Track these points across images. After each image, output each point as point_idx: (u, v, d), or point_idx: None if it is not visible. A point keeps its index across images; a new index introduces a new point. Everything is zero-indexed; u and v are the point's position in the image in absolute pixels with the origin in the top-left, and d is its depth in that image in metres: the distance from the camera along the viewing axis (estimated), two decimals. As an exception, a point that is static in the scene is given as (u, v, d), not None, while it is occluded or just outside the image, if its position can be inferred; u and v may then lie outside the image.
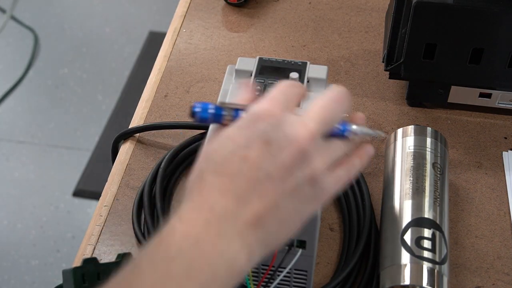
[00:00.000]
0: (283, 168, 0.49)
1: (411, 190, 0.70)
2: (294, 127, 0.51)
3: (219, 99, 0.65)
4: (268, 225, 0.49)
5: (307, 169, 0.50)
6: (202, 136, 0.80)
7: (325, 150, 0.52)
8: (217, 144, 0.51)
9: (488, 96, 0.84)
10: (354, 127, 0.55)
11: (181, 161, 0.79)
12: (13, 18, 2.38)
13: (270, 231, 0.49)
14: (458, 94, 0.85)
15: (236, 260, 0.48)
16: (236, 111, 0.53)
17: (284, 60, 0.68)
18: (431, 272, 0.64)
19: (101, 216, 0.76)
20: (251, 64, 0.68)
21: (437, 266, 0.64)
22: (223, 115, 0.53)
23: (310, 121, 0.52)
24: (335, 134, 0.54)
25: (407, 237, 0.66)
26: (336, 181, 0.53)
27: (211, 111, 0.53)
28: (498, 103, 0.85)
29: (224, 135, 0.51)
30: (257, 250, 0.49)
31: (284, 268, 0.61)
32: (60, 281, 0.66)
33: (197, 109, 0.53)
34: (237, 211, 0.48)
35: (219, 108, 0.53)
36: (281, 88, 0.54)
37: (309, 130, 0.51)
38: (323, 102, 0.53)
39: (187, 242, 0.47)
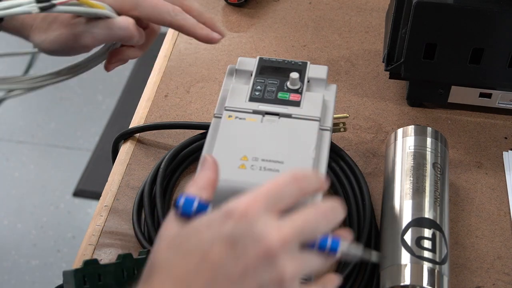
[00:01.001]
0: (245, 268, 0.47)
1: (411, 190, 0.70)
2: (265, 229, 0.48)
3: (219, 99, 0.65)
4: None
5: (273, 272, 0.47)
6: (202, 136, 0.80)
7: (299, 260, 0.49)
8: (184, 234, 0.49)
9: (488, 96, 0.84)
10: (345, 247, 0.51)
11: (181, 161, 0.79)
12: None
13: None
14: (458, 94, 0.85)
15: None
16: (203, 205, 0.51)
17: (284, 60, 0.68)
18: (431, 272, 0.64)
19: (102, 216, 0.76)
20: (251, 64, 0.68)
21: (437, 266, 0.64)
22: (200, 213, 0.51)
23: (286, 227, 0.48)
24: (322, 248, 0.51)
25: (407, 237, 0.66)
26: None
27: (193, 209, 0.51)
28: (498, 103, 0.85)
29: (192, 227, 0.49)
30: None
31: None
32: (60, 281, 0.66)
33: (180, 203, 0.51)
34: None
35: (203, 205, 0.51)
36: (275, 183, 0.50)
37: (281, 235, 0.48)
38: (309, 212, 0.50)
39: None
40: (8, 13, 0.59)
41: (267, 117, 0.63)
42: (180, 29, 0.65)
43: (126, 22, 0.64)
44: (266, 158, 0.60)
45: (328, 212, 0.51)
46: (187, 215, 0.50)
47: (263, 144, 0.61)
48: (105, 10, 0.63)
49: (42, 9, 0.57)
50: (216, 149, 0.61)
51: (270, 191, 0.49)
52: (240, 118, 0.63)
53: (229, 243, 0.47)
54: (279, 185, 0.50)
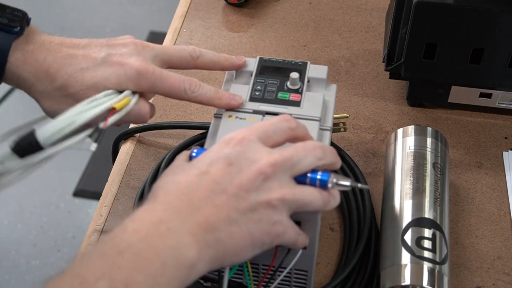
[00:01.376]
0: (239, 186, 0.53)
1: (411, 190, 0.70)
2: (257, 154, 0.55)
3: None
4: (219, 233, 0.51)
5: (263, 193, 0.53)
6: (202, 136, 0.80)
7: (288, 187, 0.55)
8: (181, 160, 0.57)
9: (489, 96, 0.84)
10: (334, 180, 0.57)
11: (181, 161, 0.79)
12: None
13: (220, 238, 0.51)
14: (459, 94, 0.85)
15: (185, 253, 0.50)
16: None
17: (284, 60, 0.68)
18: (431, 272, 0.64)
19: (102, 216, 0.76)
20: (251, 64, 0.68)
21: (437, 266, 0.64)
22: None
23: (276, 154, 0.55)
24: (313, 181, 0.56)
25: (408, 237, 0.66)
26: (296, 233, 0.56)
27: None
28: (498, 103, 0.85)
29: (196, 159, 0.57)
30: (207, 251, 0.51)
31: (285, 268, 0.61)
32: (60, 281, 0.65)
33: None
34: (190, 213, 0.51)
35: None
36: (269, 121, 0.57)
37: (271, 159, 0.54)
38: (298, 145, 0.56)
39: (136, 237, 0.50)
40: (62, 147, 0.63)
41: (267, 117, 0.63)
42: (199, 103, 0.68)
43: (143, 110, 0.67)
44: None
45: (317, 148, 0.56)
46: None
47: None
48: (131, 103, 0.65)
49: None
50: None
51: (264, 126, 0.57)
52: (241, 118, 0.63)
53: (227, 163, 0.54)
54: (272, 123, 0.57)
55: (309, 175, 0.56)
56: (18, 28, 0.65)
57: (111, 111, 0.62)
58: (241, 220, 0.52)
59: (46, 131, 0.59)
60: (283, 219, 0.54)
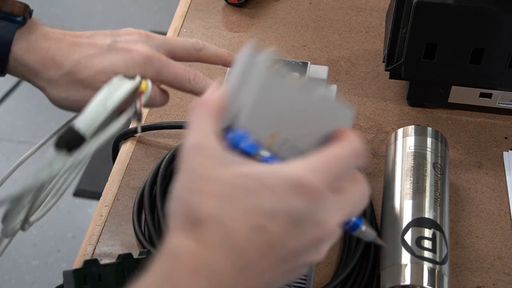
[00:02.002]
0: (293, 252, 0.44)
1: (411, 190, 0.70)
2: (325, 214, 0.44)
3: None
4: None
5: (312, 256, 0.46)
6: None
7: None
8: (245, 189, 0.43)
9: (489, 96, 0.84)
10: (364, 228, 0.50)
11: (181, 161, 0.79)
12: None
13: None
14: (459, 94, 0.85)
15: None
16: (272, 158, 0.45)
17: (284, 60, 0.67)
18: (431, 272, 0.64)
19: (102, 216, 0.76)
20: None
21: (437, 266, 0.64)
22: (256, 152, 0.45)
23: (339, 215, 0.46)
24: (347, 225, 0.50)
25: (408, 237, 0.66)
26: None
27: (244, 144, 0.44)
28: (498, 103, 0.85)
29: (254, 184, 0.43)
30: None
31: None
32: (60, 281, 0.66)
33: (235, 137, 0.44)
34: (235, 284, 0.43)
35: (254, 146, 0.45)
36: (341, 158, 0.46)
37: (336, 223, 0.45)
38: (359, 195, 0.47)
39: None
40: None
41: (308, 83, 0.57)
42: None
43: (153, 93, 0.65)
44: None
45: (365, 199, 0.48)
46: (238, 149, 0.44)
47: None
48: (149, 84, 0.64)
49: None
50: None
51: (338, 166, 0.45)
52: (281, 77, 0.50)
53: (292, 221, 0.43)
54: (345, 160, 0.46)
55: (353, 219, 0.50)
56: (21, 18, 0.65)
57: (140, 93, 0.62)
58: (277, 280, 0.45)
59: (83, 121, 0.58)
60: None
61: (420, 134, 0.75)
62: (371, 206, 0.74)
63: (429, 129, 0.76)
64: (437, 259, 0.65)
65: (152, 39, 0.67)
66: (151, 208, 0.74)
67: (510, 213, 0.76)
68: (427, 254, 0.65)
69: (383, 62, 0.86)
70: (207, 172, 0.44)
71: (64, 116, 0.69)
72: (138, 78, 0.63)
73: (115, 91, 0.61)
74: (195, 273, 0.42)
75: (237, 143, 0.43)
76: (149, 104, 0.67)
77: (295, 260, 0.45)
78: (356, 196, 0.47)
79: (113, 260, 0.67)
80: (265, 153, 0.44)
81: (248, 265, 0.43)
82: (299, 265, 0.46)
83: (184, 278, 0.42)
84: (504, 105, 0.85)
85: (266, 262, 0.44)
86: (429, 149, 0.73)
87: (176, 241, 0.44)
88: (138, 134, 0.84)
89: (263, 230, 0.43)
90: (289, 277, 0.46)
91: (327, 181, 0.44)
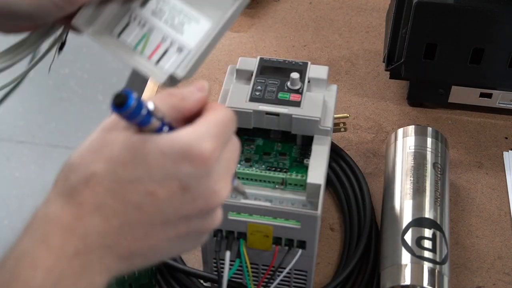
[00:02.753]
0: (184, 217, 0.44)
1: (411, 190, 0.70)
2: (218, 183, 0.45)
3: (219, 99, 0.65)
4: (136, 260, 0.45)
5: (206, 222, 0.46)
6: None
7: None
8: (128, 156, 0.43)
9: (489, 96, 0.84)
10: (235, 183, 0.51)
11: (181, 161, 0.79)
12: (14, 18, 2.38)
13: (139, 263, 0.45)
14: (459, 94, 0.85)
15: None
16: (163, 125, 0.45)
17: (285, 60, 0.68)
18: (431, 272, 0.64)
19: (102, 216, 0.75)
20: (252, 64, 0.68)
21: (437, 266, 0.64)
22: (151, 122, 0.44)
23: (228, 188, 0.46)
24: None
25: (408, 237, 0.66)
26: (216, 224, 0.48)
27: (142, 113, 0.43)
28: (498, 103, 0.85)
29: (140, 151, 0.43)
30: (116, 273, 0.44)
31: (284, 268, 0.61)
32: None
33: (132, 102, 0.42)
34: (114, 245, 0.43)
35: (148, 116, 0.43)
36: (224, 121, 0.46)
37: (227, 192, 0.46)
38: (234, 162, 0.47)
39: (48, 281, 0.41)
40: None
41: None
42: None
43: None
44: None
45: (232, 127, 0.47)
46: (134, 121, 0.43)
47: None
48: None
49: None
50: None
51: (224, 131, 0.46)
52: None
53: (181, 187, 0.43)
54: (228, 124, 0.46)
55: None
56: None
57: None
58: (168, 247, 0.45)
59: None
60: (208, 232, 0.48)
61: (420, 134, 0.75)
62: (371, 206, 0.74)
63: (429, 129, 0.76)
64: (437, 259, 0.65)
65: None
66: (151, 208, 0.73)
67: (510, 213, 0.76)
68: (427, 254, 0.65)
69: (383, 62, 0.86)
70: (105, 136, 0.44)
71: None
72: None
73: None
74: (69, 234, 0.42)
75: (132, 116, 0.43)
76: None
77: (187, 225, 0.45)
78: (234, 149, 0.47)
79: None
80: (156, 123, 0.44)
81: (131, 228, 0.43)
82: (193, 231, 0.46)
83: (58, 239, 0.42)
84: (504, 105, 0.85)
85: (153, 226, 0.43)
86: (429, 149, 0.73)
87: (53, 206, 0.44)
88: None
89: (152, 194, 0.43)
90: (184, 243, 0.46)
91: (216, 147, 0.44)
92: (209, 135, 0.44)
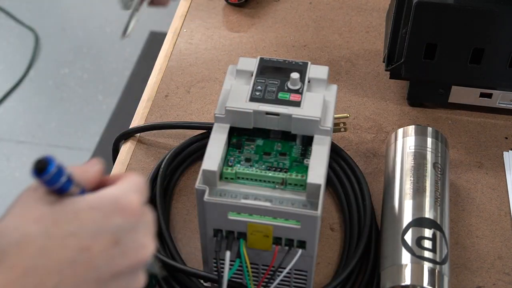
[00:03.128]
0: (115, 274, 0.44)
1: (411, 190, 0.70)
2: (146, 237, 0.46)
3: (220, 99, 0.65)
4: None
5: (134, 280, 0.46)
6: (202, 136, 0.80)
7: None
8: (64, 213, 0.43)
9: (489, 96, 0.84)
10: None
11: (181, 162, 0.79)
12: (14, 18, 2.38)
13: None
14: (459, 94, 0.85)
15: None
16: (82, 191, 0.46)
17: (285, 60, 0.68)
18: (431, 272, 0.64)
19: (102, 216, 0.75)
20: (252, 64, 0.68)
21: (437, 266, 0.64)
22: (71, 188, 0.45)
23: (152, 239, 0.47)
24: None
25: (408, 237, 0.66)
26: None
27: (63, 179, 0.44)
28: (499, 103, 0.85)
29: (72, 207, 0.43)
30: None
31: (284, 268, 0.61)
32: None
33: (52, 169, 0.43)
34: None
35: (69, 182, 0.44)
36: (136, 179, 0.48)
37: (152, 248, 0.47)
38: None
39: None
40: None
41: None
42: None
43: None
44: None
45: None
46: (55, 187, 0.43)
47: None
48: None
49: None
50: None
51: (143, 190, 0.48)
52: None
53: (113, 241, 0.44)
54: (145, 188, 0.48)
55: None
56: None
57: None
58: None
59: None
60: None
61: (420, 134, 0.75)
62: (371, 206, 0.74)
63: (429, 129, 0.76)
64: (437, 259, 0.65)
65: None
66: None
67: (510, 213, 0.76)
68: (427, 254, 0.65)
69: (383, 62, 0.86)
70: (30, 200, 0.44)
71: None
72: None
73: None
74: None
75: (53, 183, 0.43)
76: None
77: (116, 284, 0.44)
78: (150, 213, 0.48)
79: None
80: (77, 188, 0.45)
81: (62, 285, 0.42)
82: (123, 286, 0.45)
83: None
84: (504, 105, 0.85)
85: (87, 284, 0.43)
86: (429, 149, 0.73)
87: None
88: (138, 135, 0.84)
89: (87, 250, 0.42)
90: None
91: (141, 200, 0.46)
92: (133, 190, 0.46)
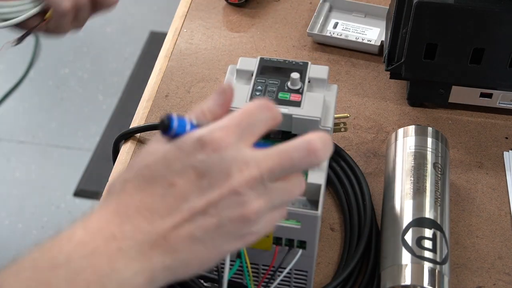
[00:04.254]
0: (208, 203, 0.46)
1: (412, 190, 0.70)
2: (234, 166, 0.47)
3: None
4: (179, 253, 0.46)
5: (237, 210, 0.47)
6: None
7: (265, 197, 0.48)
8: (151, 158, 0.48)
9: (489, 96, 0.84)
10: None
11: (182, 161, 0.79)
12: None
13: (179, 258, 0.46)
14: (459, 94, 0.85)
15: (131, 282, 0.45)
16: (192, 126, 0.49)
17: (285, 60, 0.68)
18: (432, 272, 0.64)
19: (102, 216, 0.75)
20: (252, 64, 0.68)
21: (438, 266, 0.64)
22: (185, 132, 0.49)
23: (254, 167, 0.47)
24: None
25: (408, 237, 0.66)
26: (269, 223, 0.49)
27: (188, 127, 0.49)
28: (499, 103, 0.85)
29: (161, 152, 0.48)
30: (160, 276, 0.46)
31: (285, 268, 0.61)
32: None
33: (174, 123, 0.48)
34: (148, 231, 0.46)
35: (183, 128, 0.49)
36: (248, 111, 0.50)
37: (251, 175, 0.47)
38: (288, 149, 0.49)
39: (80, 252, 0.44)
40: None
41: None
42: None
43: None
44: None
45: (311, 150, 0.49)
46: (171, 135, 0.49)
47: None
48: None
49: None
50: None
51: (244, 120, 0.49)
52: None
53: (198, 174, 0.47)
54: (253, 113, 0.50)
55: None
56: None
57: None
58: (207, 238, 0.47)
59: None
60: (255, 229, 0.48)
61: (421, 134, 0.75)
62: (371, 206, 0.74)
63: (430, 129, 0.75)
64: (438, 259, 0.65)
65: None
66: (151, 208, 0.73)
67: (510, 213, 0.76)
68: (427, 254, 0.65)
69: (384, 62, 0.86)
70: (140, 158, 0.50)
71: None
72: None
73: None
74: (105, 221, 0.46)
75: (177, 135, 0.49)
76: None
77: (216, 212, 0.47)
78: (285, 148, 0.49)
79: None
80: (189, 127, 0.49)
81: (162, 216, 0.46)
82: (227, 219, 0.47)
83: (95, 223, 0.47)
84: (505, 105, 0.85)
85: (183, 214, 0.46)
86: (429, 149, 0.73)
87: (93, 213, 0.48)
88: (138, 135, 0.84)
89: (173, 185, 0.47)
90: (226, 236, 0.47)
91: (234, 136, 0.48)
92: (221, 127, 0.48)
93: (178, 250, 0.46)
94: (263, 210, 0.48)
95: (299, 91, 0.64)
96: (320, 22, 0.98)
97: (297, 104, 0.63)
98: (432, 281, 0.63)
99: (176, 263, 0.46)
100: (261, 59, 0.68)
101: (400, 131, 0.76)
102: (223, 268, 0.59)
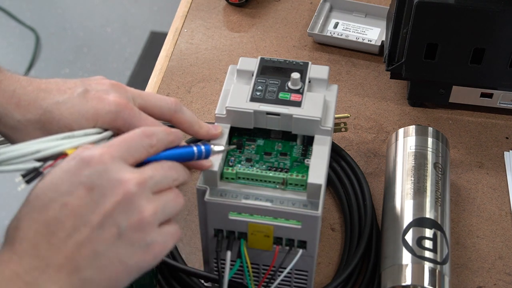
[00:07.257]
0: (104, 214, 0.48)
1: (412, 190, 0.70)
2: (121, 174, 0.50)
3: (220, 99, 0.65)
4: (85, 271, 0.48)
5: (133, 216, 0.49)
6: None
7: (156, 201, 0.51)
8: (40, 189, 0.50)
9: (490, 96, 0.84)
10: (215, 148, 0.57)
11: (182, 161, 0.79)
12: (15, 18, 2.38)
13: (88, 277, 0.48)
14: (460, 94, 0.85)
15: None
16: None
17: (285, 60, 0.68)
18: (432, 272, 0.64)
19: (102, 216, 0.75)
20: (252, 64, 0.68)
21: (438, 266, 0.64)
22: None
23: (138, 172, 0.51)
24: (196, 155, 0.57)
25: (408, 237, 0.66)
26: (170, 236, 0.52)
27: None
28: (499, 103, 0.85)
29: (48, 180, 0.50)
30: None
31: (285, 268, 0.61)
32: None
33: None
34: (50, 258, 0.47)
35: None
36: (128, 137, 0.53)
37: (137, 178, 0.50)
38: (159, 165, 0.53)
39: None
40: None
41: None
42: (180, 127, 0.65)
43: None
44: None
45: (172, 169, 0.54)
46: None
47: None
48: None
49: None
50: None
51: (123, 142, 0.52)
52: None
53: (87, 188, 0.48)
54: (131, 138, 0.53)
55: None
56: None
57: (63, 155, 0.56)
58: (110, 251, 0.48)
59: (3, 153, 0.55)
60: (156, 237, 0.51)
61: (421, 134, 0.75)
62: (372, 206, 0.74)
63: (430, 129, 0.76)
64: (438, 259, 0.65)
65: (124, 90, 0.62)
66: (152, 208, 0.73)
67: (511, 213, 0.76)
68: (428, 254, 0.65)
69: (384, 62, 0.86)
70: (33, 202, 0.50)
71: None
72: (105, 134, 0.60)
73: (63, 144, 0.56)
74: (4, 263, 0.47)
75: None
76: None
77: (114, 223, 0.48)
78: (155, 167, 0.53)
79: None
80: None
81: (60, 241, 0.47)
82: (126, 227, 0.49)
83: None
84: (505, 105, 0.85)
85: (81, 233, 0.48)
86: (430, 149, 0.73)
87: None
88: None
89: (65, 206, 0.48)
90: (130, 248, 0.49)
91: (115, 153, 0.51)
92: (102, 147, 0.51)
93: (82, 269, 0.48)
94: (158, 213, 0.51)
95: (299, 91, 0.64)
96: (321, 22, 0.98)
97: (298, 104, 0.63)
98: (432, 281, 0.63)
99: (85, 284, 0.48)
100: (262, 59, 0.68)
101: (401, 131, 0.76)
102: (223, 268, 0.59)
